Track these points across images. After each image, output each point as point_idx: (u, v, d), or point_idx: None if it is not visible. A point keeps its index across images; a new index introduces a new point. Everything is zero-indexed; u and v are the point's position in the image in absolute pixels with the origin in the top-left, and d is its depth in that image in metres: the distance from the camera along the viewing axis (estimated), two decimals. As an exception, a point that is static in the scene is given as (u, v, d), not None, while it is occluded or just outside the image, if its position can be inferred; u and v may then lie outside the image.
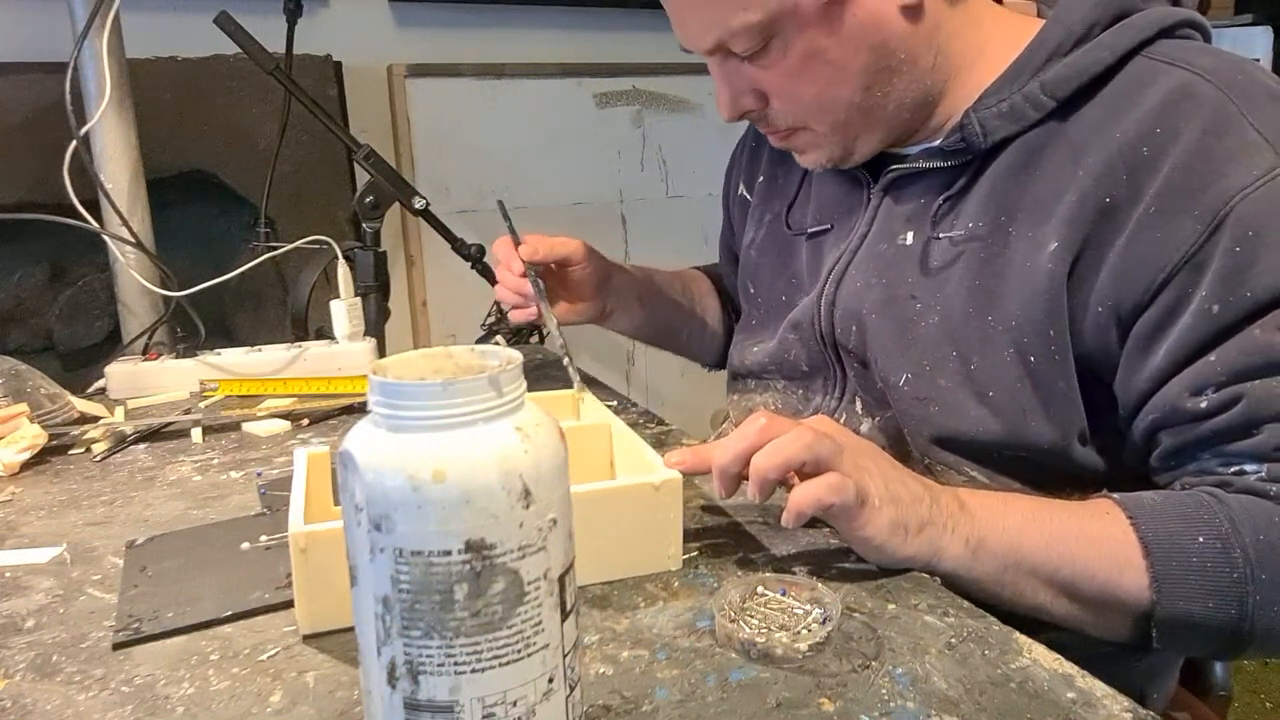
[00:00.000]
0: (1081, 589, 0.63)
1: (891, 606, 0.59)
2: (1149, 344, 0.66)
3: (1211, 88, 0.66)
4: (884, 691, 0.50)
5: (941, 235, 0.75)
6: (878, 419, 0.80)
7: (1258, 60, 2.44)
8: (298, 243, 1.18)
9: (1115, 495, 0.65)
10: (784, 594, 0.58)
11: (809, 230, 0.89)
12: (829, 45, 0.71)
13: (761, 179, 0.99)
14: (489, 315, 1.41)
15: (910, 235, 0.78)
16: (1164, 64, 0.69)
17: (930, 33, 0.73)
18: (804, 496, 0.58)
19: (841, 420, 0.83)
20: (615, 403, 1.03)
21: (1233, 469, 0.64)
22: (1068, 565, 0.63)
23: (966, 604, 0.59)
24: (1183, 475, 0.67)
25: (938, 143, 0.77)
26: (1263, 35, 2.44)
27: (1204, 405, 0.64)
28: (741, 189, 1.04)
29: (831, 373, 0.85)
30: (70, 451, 0.95)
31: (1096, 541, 0.63)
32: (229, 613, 0.60)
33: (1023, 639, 0.55)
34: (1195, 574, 0.61)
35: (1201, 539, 0.61)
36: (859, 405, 0.82)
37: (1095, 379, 0.70)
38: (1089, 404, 0.70)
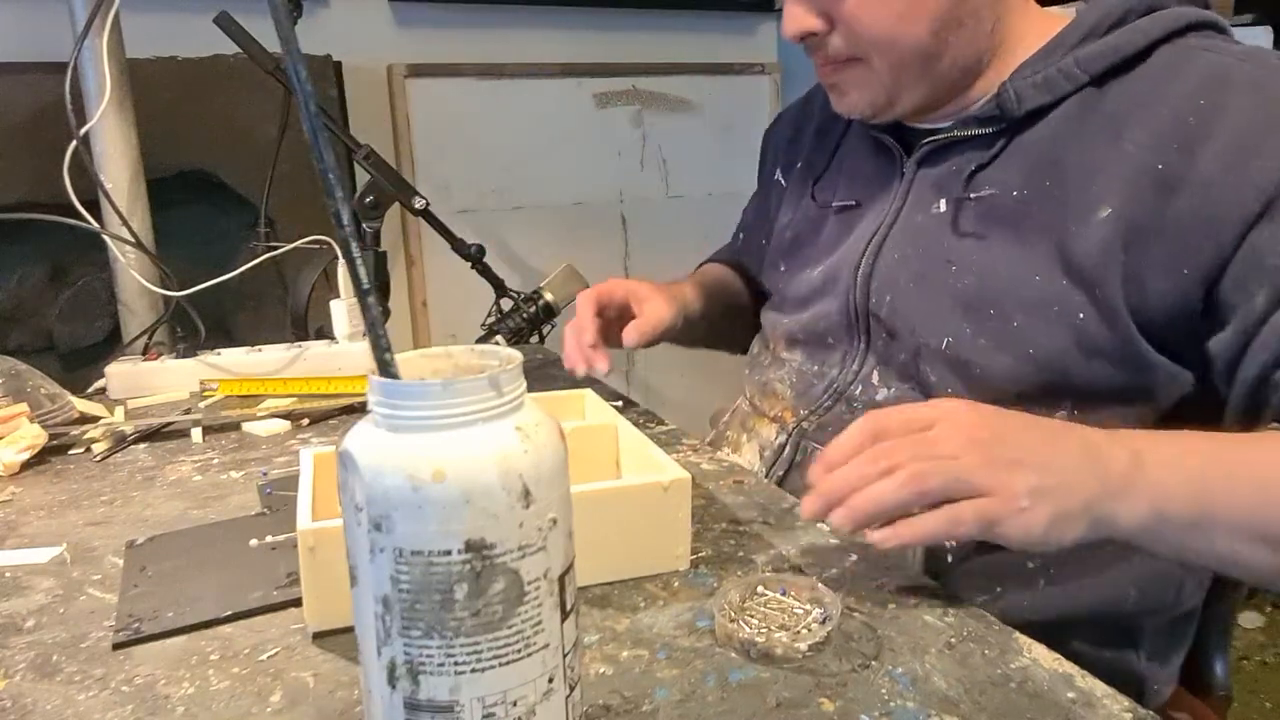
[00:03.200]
0: (1272, 528, 0.58)
1: (891, 606, 0.59)
2: (1242, 292, 0.66)
3: (1247, 67, 0.69)
4: (884, 691, 0.50)
5: (973, 196, 0.77)
6: (893, 389, 0.82)
7: (1258, 60, 2.44)
8: (298, 243, 1.19)
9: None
10: (784, 594, 0.58)
11: (835, 205, 0.91)
12: None
13: (799, 165, 1.00)
14: (489, 315, 1.41)
15: (943, 203, 0.80)
16: (1197, 50, 0.72)
17: (996, 3, 0.77)
18: (911, 531, 0.55)
19: (856, 393, 0.84)
20: (618, 403, 1.03)
21: None
22: (1262, 509, 0.58)
23: (967, 604, 0.59)
24: None
25: (972, 111, 0.79)
26: (1263, 35, 2.44)
27: None
28: (779, 174, 1.05)
29: (854, 345, 0.86)
30: (70, 451, 0.95)
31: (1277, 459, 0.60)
32: (229, 613, 0.60)
33: (1023, 639, 0.55)
34: None
35: None
36: (875, 377, 0.84)
37: (1169, 343, 0.70)
38: (1159, 368, 0.70)
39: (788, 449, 0.87)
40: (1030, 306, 0.73)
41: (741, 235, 1.18)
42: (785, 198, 1.01)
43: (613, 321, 0.96)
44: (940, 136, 0.81)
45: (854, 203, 0.89)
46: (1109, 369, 0.71)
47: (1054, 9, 0.83)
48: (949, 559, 0.74)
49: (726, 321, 1.13)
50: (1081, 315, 0.71)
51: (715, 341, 1.16)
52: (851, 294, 0.85)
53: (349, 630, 0.56)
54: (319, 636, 0.57)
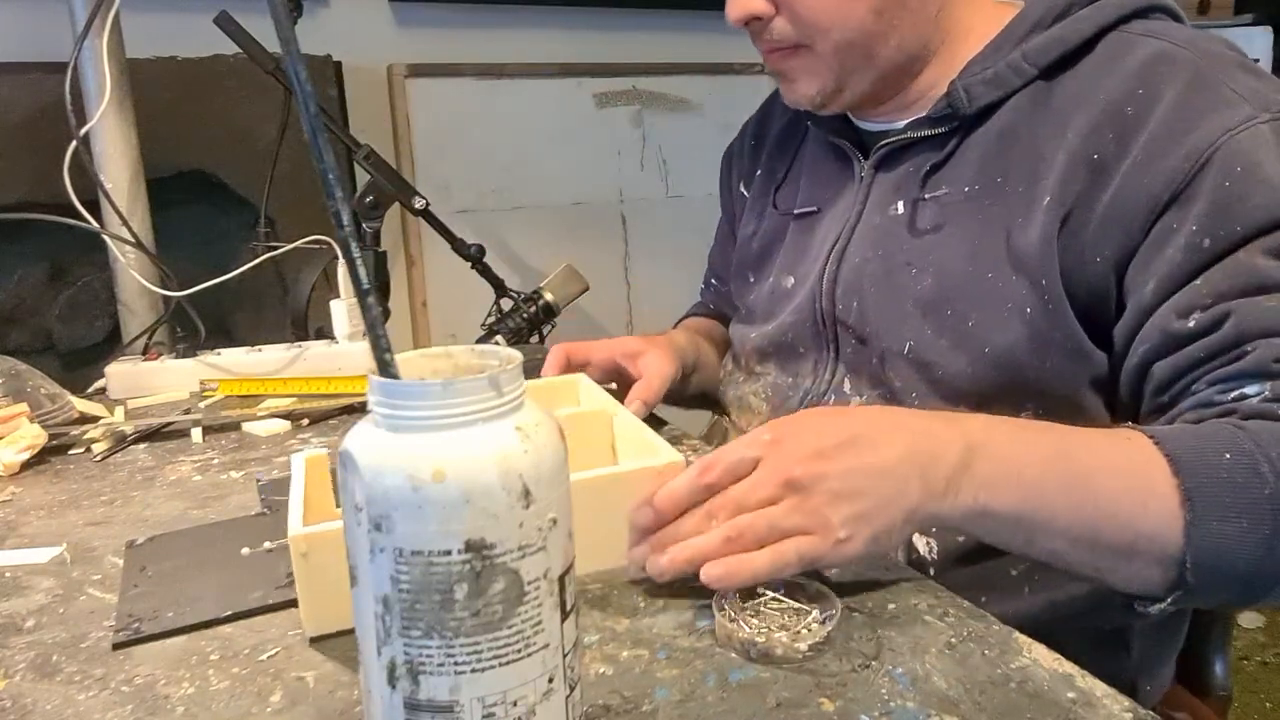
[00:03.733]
0: (1103, 530, 0.59)
1: (891, 606, 0.59)
2: (1138, 280, 0.68)
3: (1187, 54, 0.70)
4: (884, 691, 0.50)
5: (928, 196, 0.78)
6: (865, 397, 0.82)
7: (1257, 60, 2.44)
8: (298, 243, 1.19)
9: (1135, 425, 0.64)
10: (784, 594, 0.58)
11: (795, 211, 0.91)
12: None
13: (760, 173, 1.00)
14: (489, 315, 1.41)
15: (900, 204, 0.80)
16: (1140, 36, 0.73)
17: None
18: (741, 569, 0.55)
19: (830, 402, 0.84)
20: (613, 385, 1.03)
21: (1233, 394, 0.63)
22: (1089, 507, 0.58)
23: (967, 604, 0.59)
24: (1183, 411, 0.66)
25: (925, 113, 0.80)
26: (1262, 35, 2.44)
27: (1192, 325, 0.64)
28: (740, 186, 1.05)
29: (824, 354, 0.86)
30: (70, 451, 0.95)
31: (1121, 474, 0.59)
32: (229, 613, 0.60)
33: (1023, 639, 0.55)
34: (1227, 489, 0.57)
35: (1229, 455, 0.58)
36: (847, 385, 0.84)
37: (1097, 331, 0.71)
38: (1094, 357, 0.71)
39: None
40: (983, 304, 0.73)
41: (714, 282, 1.16)
42: (749, 207, 1.01)
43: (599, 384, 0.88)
44: (895, 139, 0.81)
45: (814, 209, 0.89)
46: (1062, 363, 0.71)
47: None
48: (930, 571, 0.74)
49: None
50: (1029, 309, 0.71)
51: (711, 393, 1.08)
52: (818, 302, 0.85)
53: (347, 634, 0.56)
54: (316, 641, 0.57)
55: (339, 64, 1.74)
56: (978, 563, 0.73)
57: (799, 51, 0.79)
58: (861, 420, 0.59)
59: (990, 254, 0.73)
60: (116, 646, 0.57)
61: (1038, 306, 0.71)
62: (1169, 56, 0.70)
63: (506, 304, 1.43)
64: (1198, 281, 0.64)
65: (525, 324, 1.39)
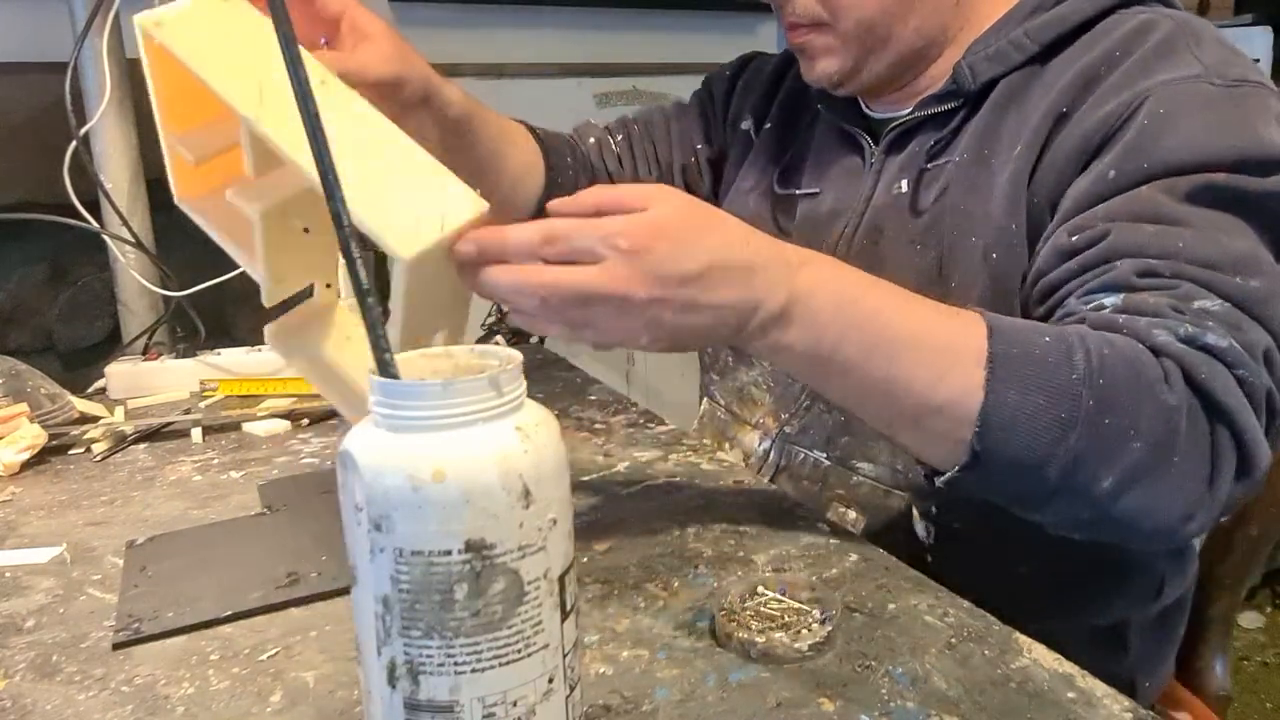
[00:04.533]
0: (896, 393, 0.60)
1: (891, 606, 0.59)
2: (1055, 214, 0.70)
3: (1170, 23, 0.72)
4: (884, 691, 0.50)
5: (930, 166, 0.79)
6: None
7: (1257, 61, 2.44)
8: (298, 243, 1.18)
9: (980, 309, 0.63)
10: (784, 593, 0.58)
11: (798, 192, 0.91)
12: None
13: (769, 125, 0.98)
14: (489, 315, 1.41)
15: (904, 182, 0.81)
16: (1135, 12, 0.75)
17: None
18: (515, 280, 0.54)
19: None
20: (617, 403, 1.03)
21: (1092, 304, 0.63)
22: (885, 364, 0.59)
23: (966, 604, 0.59)
24: (1053, 321, 0.66)
25: (933, 92, 0.80)
26: (1262, 35, 2.44)
27: (1074, 241, 0.66)
28: (748, 122, 1.00)
29: None
30: (70, 451, 0.95)
31: (929, 346, 0.59)
32: (229, 613, 0.60)
33: (1023, 639, 0.55)
34: (1033, 364, 0.57)
35: (1047, 339, 0.59)
36: None
37: None
38: None
39: (773, 454, 0.87)
40: (962, 264, 0.74)
41: (635, 128, 1.06)
42: (752, 157, 0.98)
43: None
44: (903, 120, 0.82)
45: (816, 190, 0.89)
46: (1023, 295, 0.71)
47: None
48: (927, 556, 0.74)
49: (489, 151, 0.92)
50: (995, 255, 0.72)
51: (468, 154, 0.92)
52: None
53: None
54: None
55: (339, 64, 1.74)
56: (975, 545, 0.73)
57: (820, 29, 0.80)
58: (715, 246, 0.57)
59: (971, 218, 0.74)
60: (116, 646, 0.57)
61: (1003, 251, 0.72)
62: (1150, 23, 0.72)
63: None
64: (1096, 208, 0.66)
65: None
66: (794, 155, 0.94)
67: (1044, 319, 0.68)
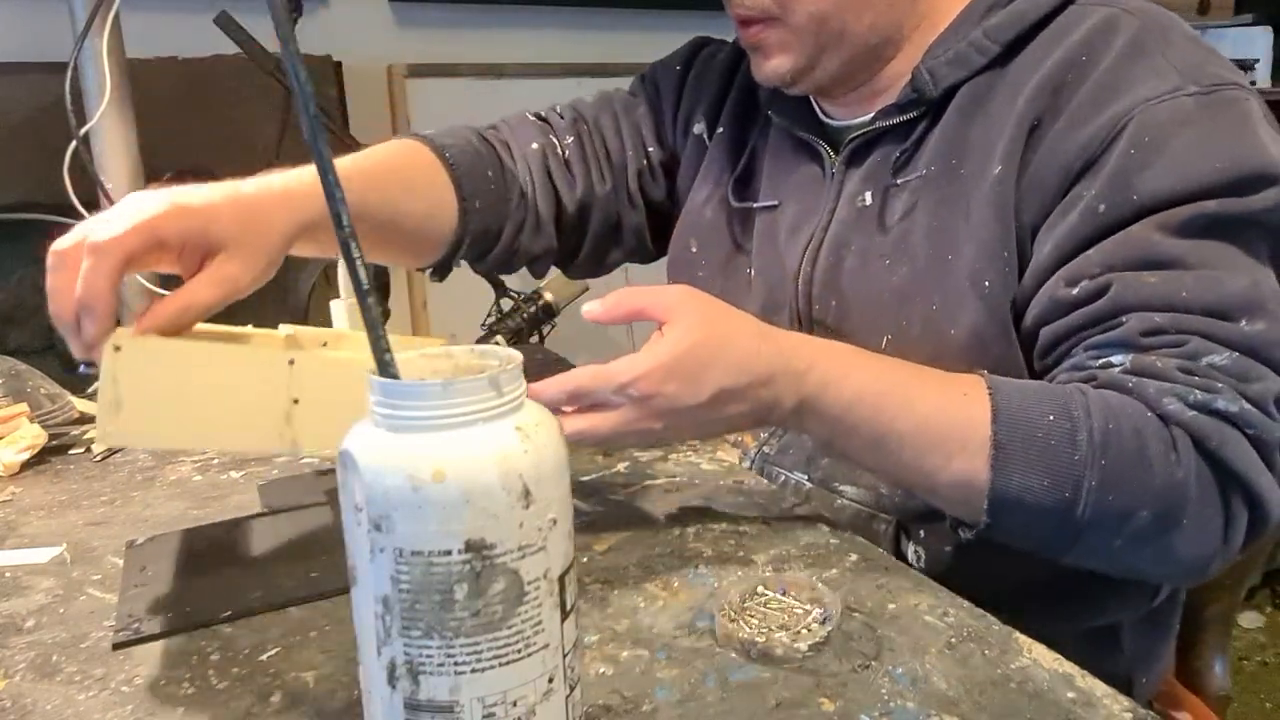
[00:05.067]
0: (904, 480, 0.68)
1: (891, 606, 0.59)
2: (1042, 243, 0.69)
3: (1134, 19, 0.70)
4: (884, 691, 0.50)
5: (899, 181, 0.77)
6: None
7: (1257, 60, 2.44)
8: (298, 243, 1.18)
9: (986, 373, 0.65)
10: (784, 594, 0.58)
11: (756, 205, 0.88)
12: None
13: (722, 130, 0.93)
14: (489, 315, 1.41)
15: (869, 194, 0.78)
16: (1094, 6, 0.72)
17: None
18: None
19: None
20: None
21: (1100, 361, 0.64)
22: (892, 463, 0.66)
23: (967, 604, 0.59)
24: (1059, 373, 0.67)
25: (893, 100, 0.78)
26: (1263, 35, 2.44)
27: (1075, 293, 0.65)
28: (701, 126, 0.94)
29: None
30: (70, 451, 0.95)
31: (935, 429, 0.63)
32: (229, 612, 0.60)
33: (1023, 639, 0.55)
34: (1037, 450, 0.61)
35: (1052, 418, 0.61)
36: None
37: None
38: None
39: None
40: (943, 286, 0.73)
41: (567, 116, 0.97)
42: (706, 164, 0.93)
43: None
44: (865, 130, 0.79)
45: (775, 203, 0.86)
46: (1020, 333, 0.71)
47: None
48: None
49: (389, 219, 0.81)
50: (987, 283, 0.71)
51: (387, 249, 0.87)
52: (794, 304, 0.83)
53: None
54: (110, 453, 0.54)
55: (339, 64, 1.74)
56: (966, 570, 0.72)
57: (772, 24, 0.78)
58: (723, 374, 0.62)
59: (949, 235, 0.73)
60: (116, 646, 0.57)
61: (996, 279, 0.70)
62: (1114, 22, 0.70)
63: (506, 304, 1.43)
64: (1091, 251, 0.65)
65: (525, 324, 1.39)
66: (748, 163, 0.90)
67: (1051, 367, 0.69)
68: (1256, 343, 0.62)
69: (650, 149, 0.98)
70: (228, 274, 0.61)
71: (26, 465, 0.90)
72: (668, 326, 0.62)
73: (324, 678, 0.53)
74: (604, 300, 0.64)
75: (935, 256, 0.73)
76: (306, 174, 0.69)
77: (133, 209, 0.58)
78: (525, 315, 1.38)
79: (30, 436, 0.91)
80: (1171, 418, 0.60)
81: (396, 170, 0.84)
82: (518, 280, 1.80)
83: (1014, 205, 0.70)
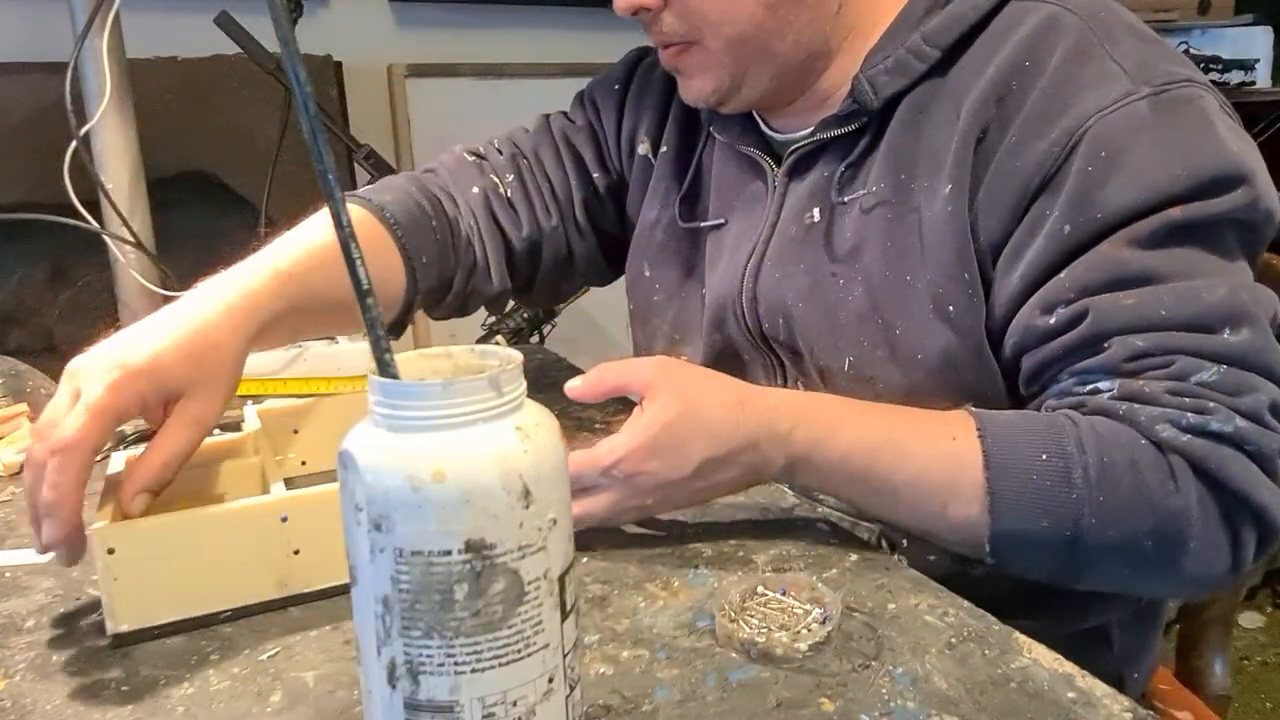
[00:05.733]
0: (905, 525, 0.67)
1: (891, 606, 0.59)
2: (1008, 267, 0.67)
3: (1076, 19, 0.68)
4: (884, 691, 0.50)
5: (846, 199, 0.74)
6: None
7: (1257, 60, 2.44)
8: (298, 243, 1.18)
9: (974, 410, 0.65)
10: (784, 594, 0.58)
11: (704, 225, 0.86)
12: None
13: (665, 148, 0.90)
14: (489, 315, 1.41)
15: (817, 211, 0.76)
16: (1034, 3, 0.70)
17: None
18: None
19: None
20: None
21: (1088, 388, 0.64)
22: (890, 512, 0.66)
23: (967, 604, 0.59)
24: (1046, 399, 0.67)
25: (833, 111, 0.76)
26: (1263, 35, 2.45)
27: (1053, 322, 0.64)
28: (645, 146, 0.92)
29: (769, 361, 0.83)
30: (70, 451, 0.94)
31: (930, 479, 0.63)
32: (229, 612, 0.60)
33: (1023, 639, 0.55)
34: (1032, 492, 0.60)
35: (1045, 457, 0.60)
36: (802, 388, 0.81)
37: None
38: None
39: None
40: (907, 309, 0.71)
41: (506, 152, 0.94)
42: (653, 185, 0.91)
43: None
44: (805, 142, 0.77)
45: (722, 221, 0.85)
46: (999, 361, 0.70)
47: None
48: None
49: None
50: (952, 307, 0.69)
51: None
52: (742, 321, 0.81)
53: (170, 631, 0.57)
54: (122, 640, 0.57)
55: (339, 64, 1.75)
56: (952, 578, 0.72)
57: (690, 49, 0.76)
58: (704, 445, 0.63)
59: (907, 255, 0.71)
60: (114, 646, 0.57)
61: (961, 301, 0.69)
62: (1056, 23, 0.68)
63: (506, 304, 1.43)
64: (1062, 276, 0.64)
65: (525, 324, 1.39)
66: (694, 180, 0.88)
67: (1037, 394, 0.68)
68: (1242, 352, 0.61)
69: (595, 175, 0.94)
70: (194, 416, 0.61)
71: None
72: (646, 401, 0.63)
73: (324, 678, 0.53)
74: (584, 378, 0.66)
75: (893, 278, 0.72)
76: (246, 275, 0.70)
77: (87, 391, 0.58)
78: (525, 315, 1.38)
79: (30, 437, 0.91)
80: (1167, 444, 0.59)
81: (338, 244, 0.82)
82: (518, 280, 1.80)
83: (969, 226, 0.68)
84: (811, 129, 0.77)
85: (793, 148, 0.78)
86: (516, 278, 0.94)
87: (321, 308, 0.73)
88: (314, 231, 0.77)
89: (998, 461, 0.61)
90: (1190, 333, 0.61)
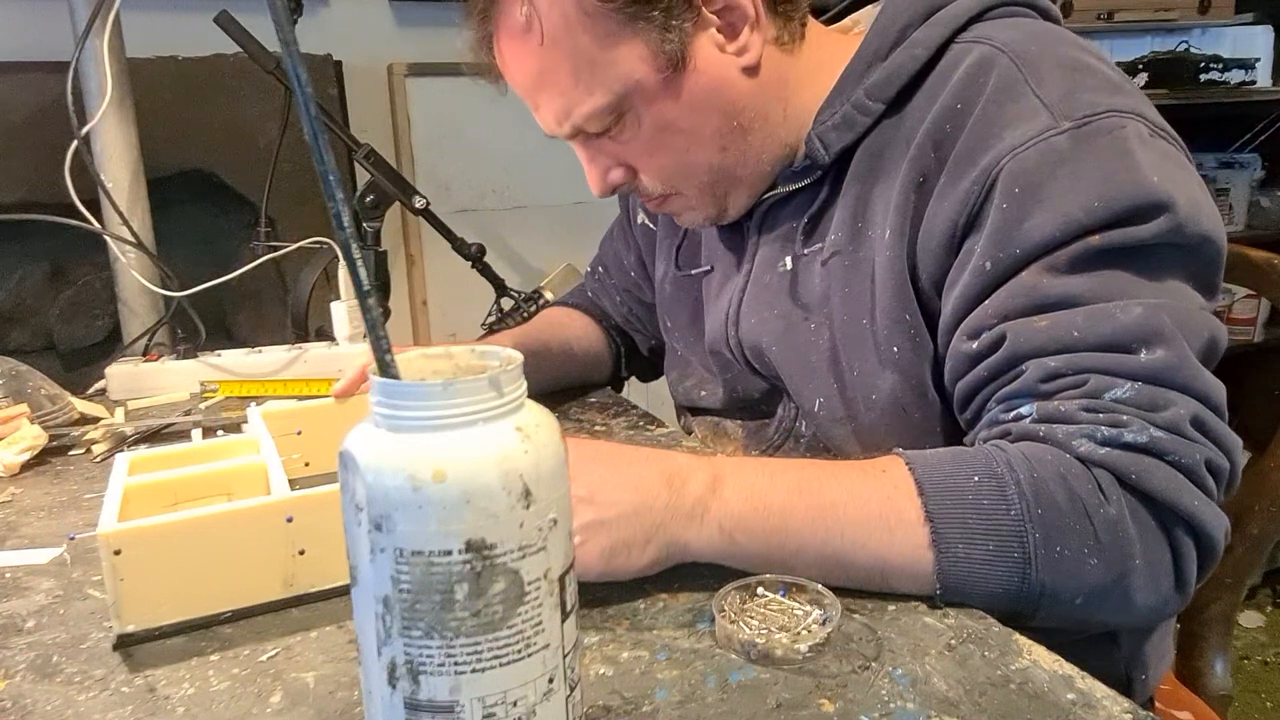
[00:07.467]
0: (853, 560, 0.60)
1: (891, 607, 0.59)
2: (945, 305, 0.69)
3: (1005, 58, 0.68)
4: (884, 692, 0.50)
5: (807, 251, 0.78)
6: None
7: (1257, 60, 2.44)
8: (299, 243, 1.18)
9: (900, 450, 0.63)
10: (784, 594, 0.58)
11: (695, 272, 0.92)
12: (678, 114, 0.73)
13: (662, 217, 0.99)
14: (489, 315, 1.41)
15: (787, 260, 0.80)
16: (971, 44, 0.71)
17: (776, 86, 0.76)
18: None
19: (802, 427, 0.83)
20: (617, 405, 1.03)
21: (1012, 414, 0.64)
22: (836, 538, 0.60)
23: (966, 605, 0.59)
24: (979, 431, 0.67)
25: (793, 167, 0.78)
26: (1263, 35, 2.44)
27: (976, 347, 0.65)
28: (644, 218, 1.03)
29: (777, 392, 0.85)
30: (70, 452, 0.95)
31: (868, 503, 0.60)
32: (229, 612, 0.60)
33: (1023, 640, 0.55)
34: (971, 512, 0.58)
35: (976, 478, 0.59)
36: (804, 425, 0.84)
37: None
38: None
39: None
40: (860, 352, 0.73)
41: (600, 270, 1.15)
42: (658, 246, 0.99)
43: None
44: (768, 196, 0.80)
45: (709, 268, 0.90)
46: (942, 400, 0.71)
47: (846, 22, 0.83)
48: None
49: (556, 368, 1.05)
50: (897, 349, 0.71)
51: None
52: (737, 361, 0.86)
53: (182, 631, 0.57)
54: (125, 641, 0.57)
55: (339, 63, 1.74)
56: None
57: (670, 198, 0.80)
58: (619, 450, 0.63)
59: (861, 301, 0.73)
60: (117, 646, 0.57)
61: (905, 344, 0.71)
62: (986, 63, 0.69)
63: (507, 303, 1.43)
64: (986, 302, 0.65)
65: (525, 323, 1.39)
66: (688, 231, 0.94)
67: (972, 423, 0.68)
68: (1157, 370, 0.60)
69: (634, 265, 1.08)
70: None
71: (27, 466, 0.90)
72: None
73: (324, 678, 0.53)
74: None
75: (851, 322, 0.74)
76: None
77: None
78: (525, 315, 1.38)
79: (30, 437, 0.91)
80: (1087, 459, 0.59)
81: (564, 342, 1.08)
82: (518, 280, 1.80)
83: (909, 268, 0.70)
84: (774, 183, 0.80)
85: (759, 200, 0.81)
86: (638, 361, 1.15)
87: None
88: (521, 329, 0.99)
89: (931, 486, 0.59)
90: (1104, 352, 0.61)
